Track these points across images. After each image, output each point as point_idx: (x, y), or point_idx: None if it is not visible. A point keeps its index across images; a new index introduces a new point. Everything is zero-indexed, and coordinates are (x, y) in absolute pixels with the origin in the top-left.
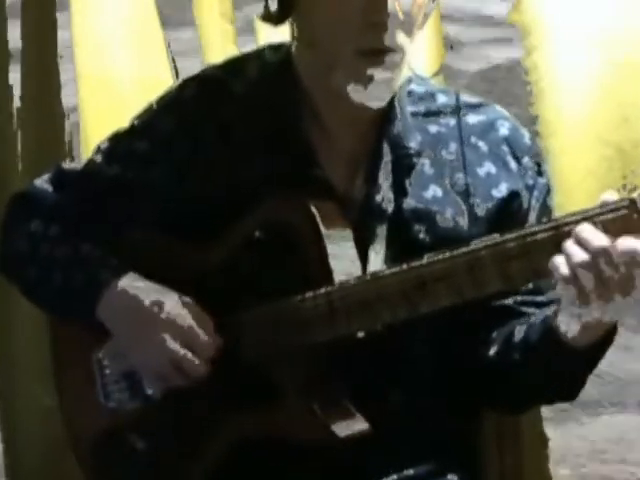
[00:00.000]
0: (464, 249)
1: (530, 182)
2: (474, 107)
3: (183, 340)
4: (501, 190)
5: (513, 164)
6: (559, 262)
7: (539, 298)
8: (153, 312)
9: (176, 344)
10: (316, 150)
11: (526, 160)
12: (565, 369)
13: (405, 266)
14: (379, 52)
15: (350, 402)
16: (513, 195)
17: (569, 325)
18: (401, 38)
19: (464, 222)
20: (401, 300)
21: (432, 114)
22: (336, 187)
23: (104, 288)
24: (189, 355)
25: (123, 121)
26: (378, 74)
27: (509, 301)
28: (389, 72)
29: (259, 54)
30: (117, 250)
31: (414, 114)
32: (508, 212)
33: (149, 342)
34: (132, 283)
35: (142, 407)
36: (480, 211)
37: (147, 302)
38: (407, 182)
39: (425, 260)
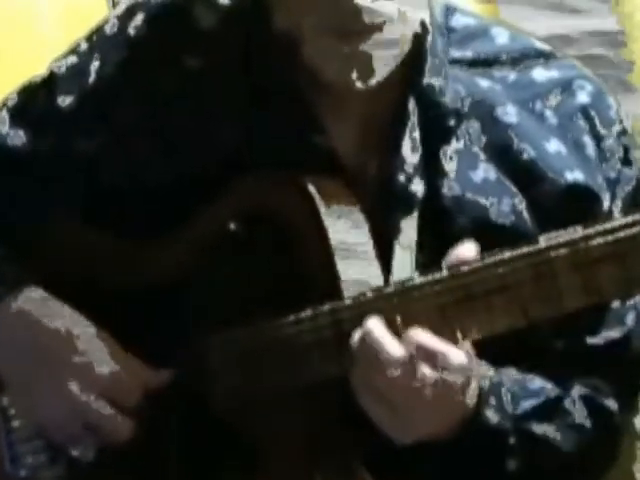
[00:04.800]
0: (529, 248)
1: (612, 175)
2: (544, 57)
3: (98, 388)
4: (577, 177)
5: (591, 147)
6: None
7: (593, 340)
8: (57, 347)
9: (87, 394)
10: (317, 109)
11: (610, 143)
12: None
13: (445, 272)
14: (357, 33)
15: (366, 470)
16: (587, 194)
17: None
18: None
19: (527, 216)
20: (439, 321)
21: (483, 62)
22: (344, 160)
23: None
24: (106, 410)
25: (39, 67)
26: (365, 47)
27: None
28: (382, 46)
29: None
30: (21, 251)
31: (455, 61)
32: (579, 213)
33: (49, 390)
34: (33, 302)
35: (66, 475)
36: (548, 200)
37: (49, 332)
38: (443, 155)
39: (474, 263)
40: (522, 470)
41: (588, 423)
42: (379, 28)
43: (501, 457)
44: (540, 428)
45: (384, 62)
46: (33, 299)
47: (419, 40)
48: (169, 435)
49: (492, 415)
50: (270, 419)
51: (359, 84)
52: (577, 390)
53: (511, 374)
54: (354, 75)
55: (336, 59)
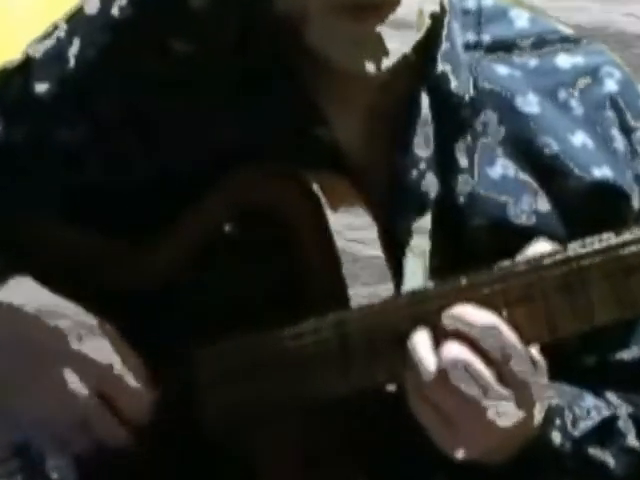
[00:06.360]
0: (558, 256)
1: None
2: (568, 42)
3: (99, 383)
4: (605, 173)
5: (619, 141)
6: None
7: (625, 355)
8: (52, 339)
9: (85, 389)
10: (319, 99)
11: None
12: None
13: (464, 281)
14: (372, 6)
15: None
16: (615, 191)
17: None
18: None
19: (550, 216)
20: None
21: (501, 47)
22: (349, 155)
23: None
24: (102, 412)
25: (14, 51)
26: (379, 29)
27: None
28: (397, 25)
29: None
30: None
31: (471, 46)
32: (606, 212)
33: (43, 385)
34: (24, 292)
35: None
36: (573, 197)
37: (45, 323)
38: (458, 151)
39: (495, 272)
40: None
41: (638, 444)
42: (396, 3)
43: None
44: (596, 452)
45: (398, 43)
46: (25, 286)
47: (435, 22)
48: (158, 452)
49: (556, 436)
50: (267, 437)
51: (370, 69)
52: (625, 408)
53: (562, 390)
54: (365, 59)
55: (345, 41)
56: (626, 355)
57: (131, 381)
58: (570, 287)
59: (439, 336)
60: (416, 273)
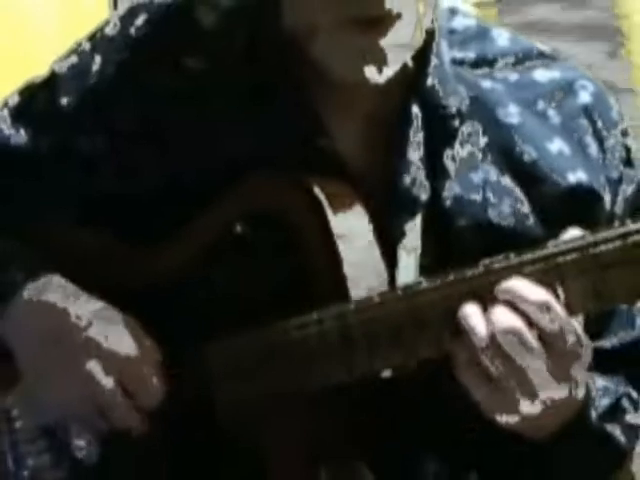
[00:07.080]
0: (538, 252)
1: (614, 175)
2: (545, 58)
3: (118, 375)
4: (579, 177)
5: (593, 147)
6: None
7: (600, 343)
8: (79, 332)
9: (108, 379)
10: (321, 111)
11: (611, 143)
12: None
13: (452, 277)
14: (377, 20)
15: (370, 471)
16: (589, 194)
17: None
18: None
19: (529, 218)
20: (446, 326)
21: (484, 63)
22: (350, 162)
23: (14, 292)
24: (120, 401)
25: (40, 68)
26: (382, 42)
27: None
28: (399, 40)
29: None
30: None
31: (457, 62)
32: (581, 214)
33: (69, 376)
34: (55, 289)
35: (69, 477)
36: (551, 201)
37: (73, 317)
38: (446, 158)
39: (481, 268)
40: (591, 471)
41: (635, 420)
42: (398, 16)
43: (580, 459)
44: (611, 428)
45: (398, 54)
46: (55, 283)
47: (428, 38)
48: (170, 442)
49: (593, 414)
50: (272, 422)
51: (373, 78)
52: (622, 387)
53: None
54: (367, 69)
55: (351, 52)
56: (606, 343)
57: (148, 372)
58: (550, 282)
59: (487, 308)
60: (409, 269)
